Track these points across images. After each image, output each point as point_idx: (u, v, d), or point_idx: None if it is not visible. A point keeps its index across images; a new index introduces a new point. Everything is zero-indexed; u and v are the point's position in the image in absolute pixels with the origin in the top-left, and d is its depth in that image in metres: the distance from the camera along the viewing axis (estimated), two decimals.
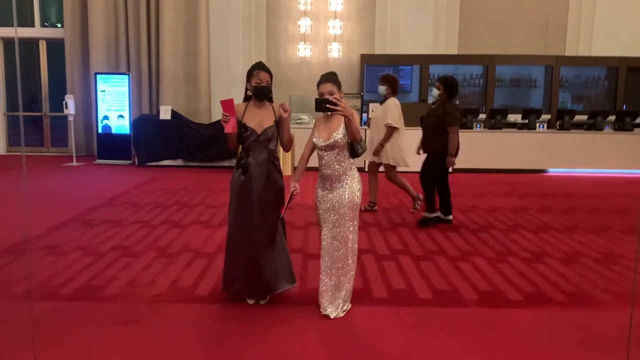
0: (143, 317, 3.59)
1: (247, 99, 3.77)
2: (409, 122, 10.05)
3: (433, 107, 6.26)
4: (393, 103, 6.52)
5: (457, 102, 7.48)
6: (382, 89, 6.64)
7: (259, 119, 3.65)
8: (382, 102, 6.71)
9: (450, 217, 6.21)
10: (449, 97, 6.03)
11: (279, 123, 3.70)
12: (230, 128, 3.54)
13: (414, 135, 10.10)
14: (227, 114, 3.51)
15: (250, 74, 3.68)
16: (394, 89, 6.64)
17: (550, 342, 3.29)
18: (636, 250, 4.51)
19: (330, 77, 3.54)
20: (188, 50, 11.52)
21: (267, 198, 3.66)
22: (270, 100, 3.78)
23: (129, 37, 11.55)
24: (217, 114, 11.09)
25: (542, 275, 4.50)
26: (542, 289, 4.19)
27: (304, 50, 11.87)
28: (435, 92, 6.15)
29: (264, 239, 3.66)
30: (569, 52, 12.20)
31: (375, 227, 6.03)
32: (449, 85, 6.02)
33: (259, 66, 3.69)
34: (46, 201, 7.20)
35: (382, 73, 6.86)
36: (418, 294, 4.06)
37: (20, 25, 12.46)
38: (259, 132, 3.63)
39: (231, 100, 3.52)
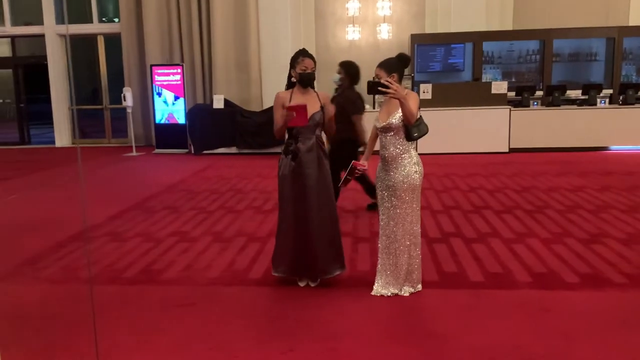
0: (200, 299, 3.74)
1: (290, 86, 3.82)
2: (462, 103, 9.90)
3: (336, 94, 5.87)
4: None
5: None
6: (336, 77, 5.99)
7: (307, 105, 3.69)
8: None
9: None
10: (351, 82, 5.69)
11: (324, 112, 3.74)
12: (300, 122, 3.58)
13: (453, 116, 9.92)
14: (294, 113, 3.54)
15: (294, 61, 3.73)
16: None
17: (606, 325, 3.20)
18: None
19: (382, 62, 3.62)
20: (238, 39, 11.70)
21: (319, 182, 3.72)
22: (313, 86, 3.82)
23: (182, 29, 11.85)
24: (268, 101, 11.24)
25: (600, 256, 4.35)
26: (600, 270, 4.06)
27: (352, 33, 11.80)
28: (336, 76, 5.77)
29: (319, 223, 3.72)
30: (632, 21, 11.56)
31: (426, 209, 5.99)
32: (350, 70, 5.68)
33: (303, 53, 3.74)
34: (109, 190, 7.55)
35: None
36: (469, 276, 4.03)
37: (79, 21, 13.00)
38: (307, 118, 3.68)
39: (304, 106, 3.55)
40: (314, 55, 3.83)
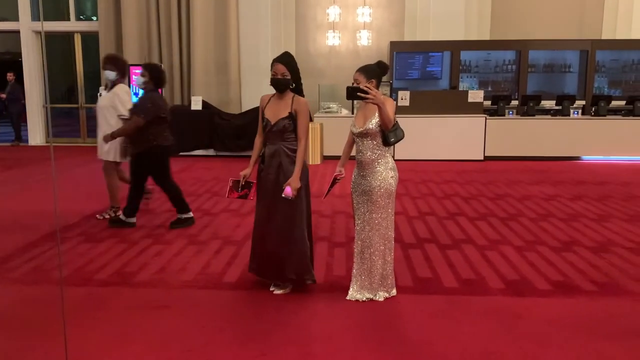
0: (174, 302, 3.70)
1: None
2: (439, 110, 10.02)
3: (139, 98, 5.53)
4: (124, 90, 5.77)
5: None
6: (111, 74, 5.71)
7: (276, 110, 3.68)
8: (109, 88, 5.79)
9: (133, 219, 5.57)
10: (155, 86, 5.39)
11: (295, 118, 3.67)
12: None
13: (430, 124, 10.03)
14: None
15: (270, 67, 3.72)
16: (124, 73, 5.87)
17: (577, 332, 3.26)
18: None
19: (362, 67, 3.64)
20: (218, 41, 11.63)
21: (278, 189, 3.65)
22: (296, 91, 3.74)
23: (161, 29, 11.73)
24: (247, 104, 11.20)
25: (571, 264, 4.44)
26: (571, 278, 4.14)
27: (332, 39, 11.84)
28: (140, 79, 5.38)
29: (277, 229, 3.70)
30: (605, 35, 11.85)
31: (402, 215, 6.03)
32: (155, 73, 5.38)
33: (276, 58, 3.70)
34: (82, 190, 7.43)
35: (109, 54, 5.96)
36: (444, 282, 4.07)
37: (56, 19, 12.80)
38: (272, 123, 3.67)
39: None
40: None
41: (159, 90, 5.57)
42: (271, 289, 3.86)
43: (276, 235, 3.71)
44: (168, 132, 5.52)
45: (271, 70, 3.68)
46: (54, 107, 13.12)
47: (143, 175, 5.49)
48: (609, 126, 10.04)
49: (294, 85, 3.71)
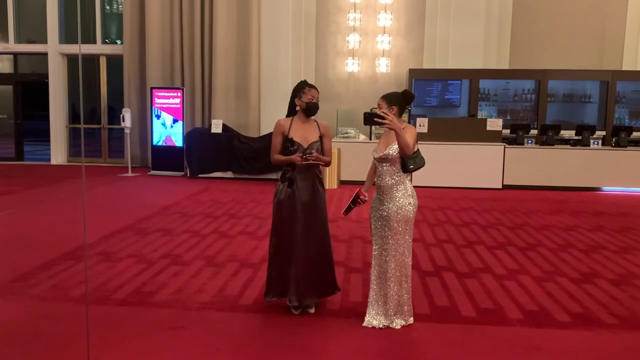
0: (190, 323, 3.72)
1: (291, 114, 3.89)
2: (457, 138, 10.02)
3: None
4: None
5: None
6: None
7: (305, 134, 3.81)
8: None
9: None
10: None
11: (322, 142, 3.88)
12: None
13: (448, 151, 10.03)
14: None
15: (300, 91, 3.82)
16: None
17: None
18: None
19: (386, 94, 3.73)
20: (239, 66, 11.85)
21: (314, 209, 3.81)
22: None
23: (184, 53, 11.99)
24: (266, 128, 11.35)
25: (591, 296, 4.37)
26: (591, 310, 4.07)
27: (352, 65, 11.97)
28: None
29: (319, 247, 3.82)
30: (626, 66, 11.81)
31: (420, 242, 6.00)
32: None
33: (309, 84, 3.87)
34: (102, 210, 7.53)
35: None
36: (461, 311, 4.03)
37: (83, 42, 13.14)
38: (305, 146, 3.75)
39: None
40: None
41: None
42: (296, 312, 3.88)
43: (319, 253, 3.84)
44: None
45: (304, 95, 3.81)
46: (76, 128, 13.36)
47: None
48: (630, 157, 9.93)
49: None
